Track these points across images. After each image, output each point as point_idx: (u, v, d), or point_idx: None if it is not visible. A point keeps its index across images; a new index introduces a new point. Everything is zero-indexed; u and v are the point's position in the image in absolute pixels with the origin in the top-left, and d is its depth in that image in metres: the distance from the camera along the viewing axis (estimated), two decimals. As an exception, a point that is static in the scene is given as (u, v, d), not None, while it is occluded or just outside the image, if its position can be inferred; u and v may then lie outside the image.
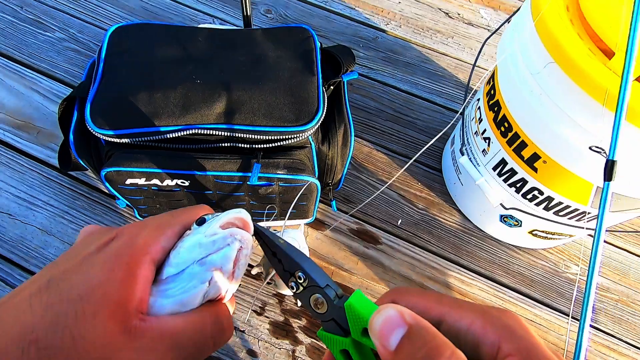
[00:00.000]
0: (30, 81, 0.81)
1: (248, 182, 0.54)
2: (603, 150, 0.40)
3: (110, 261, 0.16)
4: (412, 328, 0.14)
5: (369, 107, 0.86)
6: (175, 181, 0.55)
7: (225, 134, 0.52)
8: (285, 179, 0.54)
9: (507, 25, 0.57)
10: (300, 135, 0.53)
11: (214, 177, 0.54)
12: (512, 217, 0.64)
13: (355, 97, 0.87)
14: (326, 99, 0.56)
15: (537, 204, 0.57)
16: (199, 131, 0.52)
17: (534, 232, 0.65)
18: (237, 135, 0.52)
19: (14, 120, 0.77)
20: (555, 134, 0.46)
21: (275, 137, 0.52)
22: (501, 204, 0.62)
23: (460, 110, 0.68)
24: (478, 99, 0.63)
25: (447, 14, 1.03)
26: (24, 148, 0.74)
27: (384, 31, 0.98)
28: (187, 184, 0.55)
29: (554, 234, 0.64)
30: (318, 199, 0.62)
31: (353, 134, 0.62)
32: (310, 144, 0.57)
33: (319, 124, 0.54)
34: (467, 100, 0.61)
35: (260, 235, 0.23)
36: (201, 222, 0.21)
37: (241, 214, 0.22)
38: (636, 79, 0.40)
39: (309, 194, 0.58)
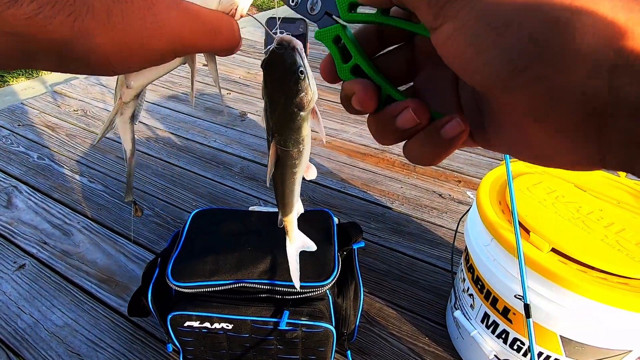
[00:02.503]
0: (119, 245, 1.08)
1: (278, 327, 0.68)
2: (522, 297, 0.54)
3: None
4: None
5: (379, 269, 1.03)
6: (221, 324, 0.70)
7: (266, 287, 0.70)
8: (308, 324, 0.68)
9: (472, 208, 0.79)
10: (320, 289, 0.70)
11: (252, 321, 0.69)
12: (509, 370, 0.70)
13: (368, 261, 1.05)
14: (340, 262, 0.76)
15: (524, 354, 0.66)
16: (246, 284, 0.70)
17: (536, 388, 0.70)
18: (275, 288, 0.69)
19: (100, 275, 0.99)
20: (510, 289, 0.61)
21: (302, 290, 0.69)
22: (495, 356, 0.70)
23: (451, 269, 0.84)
24: (461, 262, 0.80)
25: (440, 195, 1.31)
26: (102, 298, 0.94)
27: (390, 208, 1.24)
28: (230, 327, 0.70)
29: (554, 390, 0.68)
30: (334, 346, 0.73)
31: (362, 289, 0.78)
32: (328, 296, 0.73)
33: (334, 280, 0.71)
34: (452, 259, 0.78)
35: None
36: None
37: None
38: (551, 250, 0.58)
39: (326, 339, 0.70)
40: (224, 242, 0.78)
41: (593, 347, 0.58)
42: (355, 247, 0.82)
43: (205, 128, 1.68)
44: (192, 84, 0.28)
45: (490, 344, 0.70)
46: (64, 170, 1.38)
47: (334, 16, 0.21)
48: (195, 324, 0.70)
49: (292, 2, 0.23)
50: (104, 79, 2.09)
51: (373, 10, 0.20)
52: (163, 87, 2.01)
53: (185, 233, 0.81)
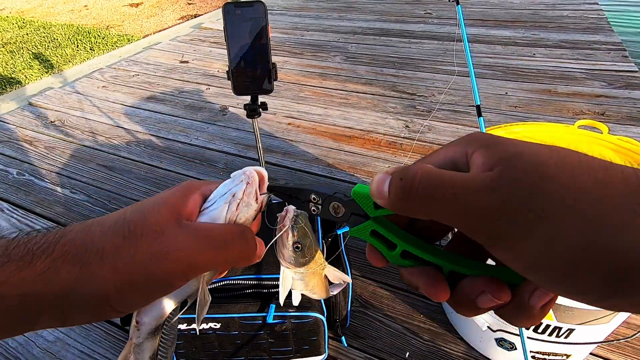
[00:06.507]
0: (106, 254, 1.06)
1: (267, 321, 0.67)
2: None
3: (174, 190, 0.24)
4: (395, 172, 0.18)
5: (371, 251, 1.02)
6: (209, 325, 0.69)
7: (252, 282, 0.68)
8: (296, 315, 0.67)
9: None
10: (306, 278, 0.68)
11: (239, 318, 0.68)
12: (504, 339, 0.70)
13: (359, 243, 1.04)
14: (325, 249, 0.74)
15: (517, 324, 0.65)
16: (230, 281, 0.69)
17: (531, 355, 0.69)
18: (261, 282, 0.68)
19: (89, 286, 0.98)
20: (496, 260, 0.59)
21: (287, 282, 0.68)
22: (489, 327, 0.70)
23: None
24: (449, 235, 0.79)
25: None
26: (93, 309, 0.92)
27: (378, 189, 1.22)
28: (218, 326, 0.69)
29: (549, 355, 0.68)
30: (326, 334, 0.72)
31: (350, 274, 0.77)
32: (315, 285, 0.71)
33: (320, 268, 0.70)
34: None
35: (276, 188, 0.27)
36: None
37: (261, 169, 0.26)
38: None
39: (317, 328, 0.69)
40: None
41: (581, 310, 0.57)
42: (340, 232, 0.80)
43: (186, 126, 1.64)
44: (201, 301, 0.24)
45: (482, 315, 0.69)
46: (45, 183, 1.35)
47: (361, 213, 0.22)
48: (183, 326, 0.69)
49: (314, 211, 0.25)
50: (79, 87, 2.04)
51: None
52: (140, 89, 1.97)
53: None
